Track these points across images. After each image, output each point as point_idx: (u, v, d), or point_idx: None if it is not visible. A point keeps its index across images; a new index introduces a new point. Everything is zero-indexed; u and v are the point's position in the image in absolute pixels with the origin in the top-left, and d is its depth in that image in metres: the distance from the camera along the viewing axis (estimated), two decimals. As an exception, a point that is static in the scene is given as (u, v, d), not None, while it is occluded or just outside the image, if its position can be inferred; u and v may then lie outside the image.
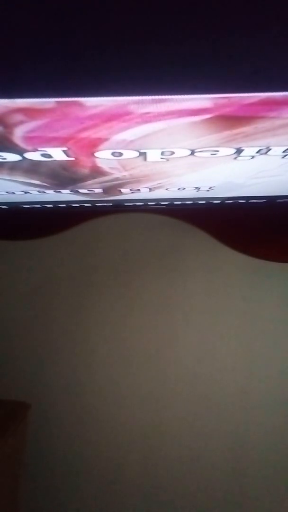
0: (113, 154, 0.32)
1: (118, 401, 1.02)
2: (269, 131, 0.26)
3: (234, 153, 0.34)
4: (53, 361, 1.03)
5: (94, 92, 0.20)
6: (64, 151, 0.31)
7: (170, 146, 0.30)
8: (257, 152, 0.34)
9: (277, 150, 0.33)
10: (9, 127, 0.24)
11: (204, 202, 0.66)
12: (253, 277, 0.98)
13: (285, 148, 0.32)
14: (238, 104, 0.21)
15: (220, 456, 1.01)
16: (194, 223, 0.85)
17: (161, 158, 0.35)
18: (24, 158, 0.33)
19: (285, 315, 0.98)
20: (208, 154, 0.33)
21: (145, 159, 0.35)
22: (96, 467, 1.04)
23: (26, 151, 0.31)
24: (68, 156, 0.33)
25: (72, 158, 0.33)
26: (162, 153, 0.33)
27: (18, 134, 0.25)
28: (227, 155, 0.34)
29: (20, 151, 0.31)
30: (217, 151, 0.32)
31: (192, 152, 0.33)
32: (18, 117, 0.22)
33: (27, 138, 0.26)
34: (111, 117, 0.23)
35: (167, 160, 0.35)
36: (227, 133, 0.26)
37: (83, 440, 1.03)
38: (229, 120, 0.24)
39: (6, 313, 1.03)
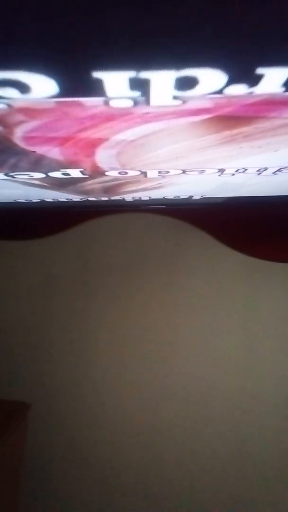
0: (119, 173, 0.36)
1: (118, 401, 1.02)
2: (269, 131, 0.26)
3: (218, 172, 0.38)
4: (53, 361, 1.03)
5: (94, 92, 0.20)
6: (81, 171, 0.35)
7: (169, 148, 0.30)
8: (236, 171, 0.38)
9: (252, 170, 0.37)
10: (9, 127, 0.24)
11: (204, 202, 0.66)
12: (253, 277, 0.98)
13: (258, 167, 0.37)
14: (238, 104, 0.21)
15: (220, 456, 1.01)
16: (194, 223, 0.85)
17: (158, 176, 0.38)
18: (47, 176, 0.36)
19: (285, 315, 0.98)
20: (196, 172, 0.37)
21: (145, 176, 0.38)
22: (96, 466, 1.04)
23: (49, 170, 0.34)
24: (84, 175, 0.36)
25: (87, 176, 0.36)
26: (159, 172, 0.37)
27: (18, 134, 0.25)
28: (212, 173, 0.38)
29: (44, 171, 0.35)
30: (204, 170, 0.37)
31: (184, 171, 0.37)
32: (18, 117, 0.22)
33: (27, 138, 0.26)
34: (111, 117, 0.23)
35: (164, 177, 0.38)
36: (227, 133, 0.26)
37: (82, 440, 1.03)
38: (229, 120, 0.24)
39: (6, 313, 1.03)
